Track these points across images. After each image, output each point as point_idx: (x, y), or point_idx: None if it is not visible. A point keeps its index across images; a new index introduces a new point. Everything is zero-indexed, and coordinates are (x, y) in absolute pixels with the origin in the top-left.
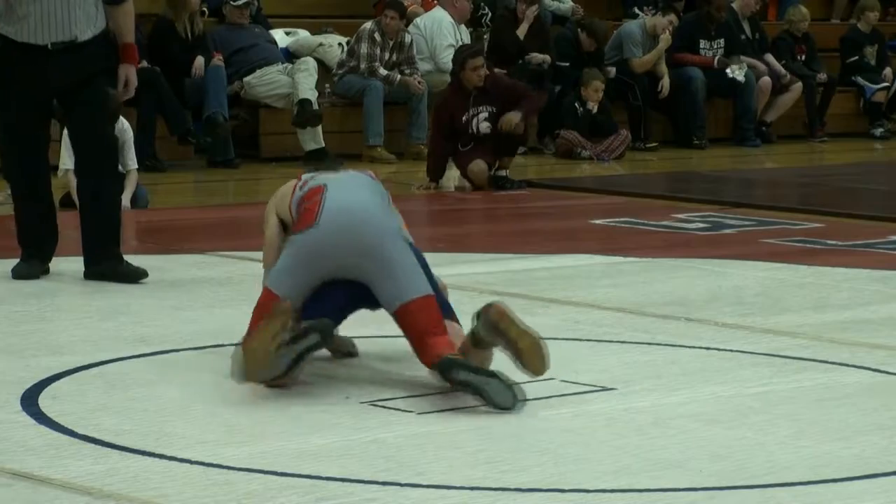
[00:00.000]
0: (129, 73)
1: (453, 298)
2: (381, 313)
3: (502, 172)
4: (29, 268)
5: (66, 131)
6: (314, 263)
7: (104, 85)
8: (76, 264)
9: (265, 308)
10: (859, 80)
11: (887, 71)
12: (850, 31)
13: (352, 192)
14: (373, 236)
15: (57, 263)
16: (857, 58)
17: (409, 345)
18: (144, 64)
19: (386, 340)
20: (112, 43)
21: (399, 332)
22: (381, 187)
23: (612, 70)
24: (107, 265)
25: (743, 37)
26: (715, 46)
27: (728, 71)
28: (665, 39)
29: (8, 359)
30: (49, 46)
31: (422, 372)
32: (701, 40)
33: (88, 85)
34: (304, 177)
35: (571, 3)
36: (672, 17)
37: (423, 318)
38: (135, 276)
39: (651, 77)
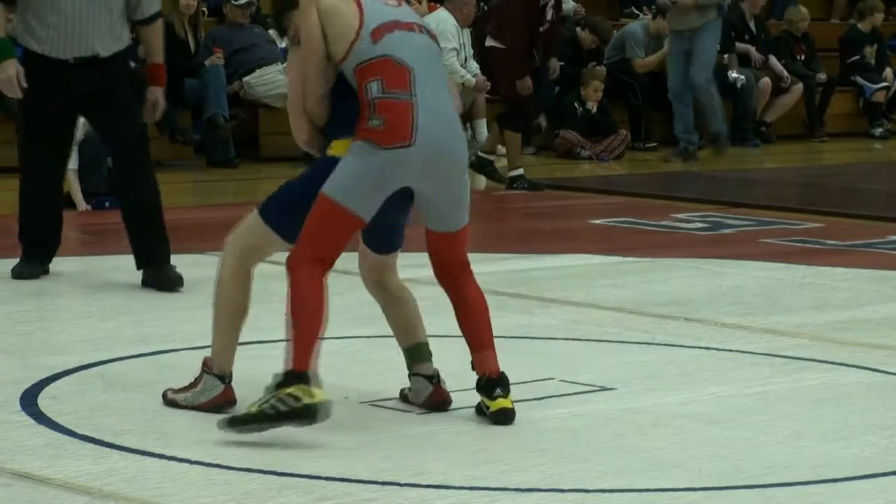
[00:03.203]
0: (157, 97)
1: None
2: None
3: (517, 171)
4: (29, 268)
5: None
6: (396, 181)
7: (125, 95)
8: (76, 264)
9: (335, 223)
10: (859, 79)
11: (887, 71)
12: (850, 31)
13: (439, 101)
14: (461, 163)
15: (57, 263)
16: (857, 58)
17: (434, 257)
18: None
19: (386, 340)
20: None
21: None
22: (441, 56)
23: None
24: (156, 269)
25: (747, 36)
26: None
27: (730, 74)
28: (669, 41)
29: (8, 359)
30: (71, 61)
31: None
32: None
33: (109, 94)
34: (365, 2)
35: (573, 3)
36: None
37: (460, 249)
38: (173, 283)
39: (653, 77)
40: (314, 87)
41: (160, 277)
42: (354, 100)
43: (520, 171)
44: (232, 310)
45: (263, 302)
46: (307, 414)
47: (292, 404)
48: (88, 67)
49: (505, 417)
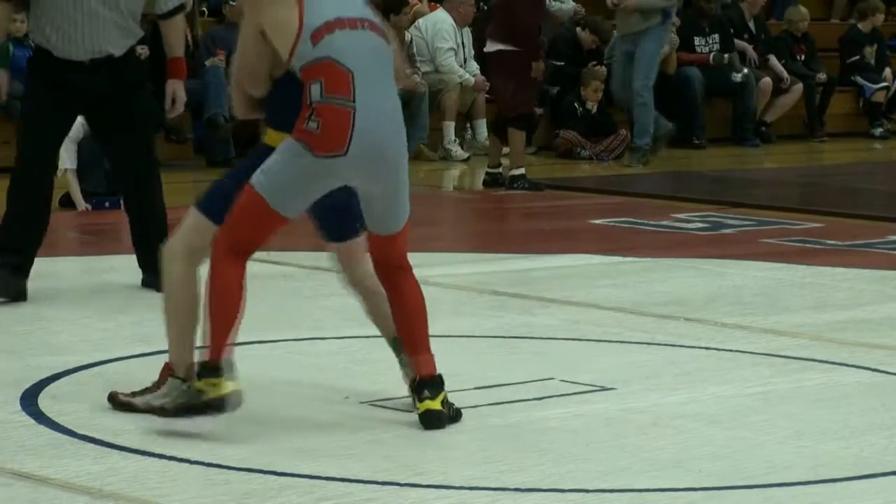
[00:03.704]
0: (176, 89)
1: (453, 298)
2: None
3: (518, 171)
4: (5, 284)
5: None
6: (328, 186)
7: (141, 97)
8: (75, 264)
9: (259, 218)
10: (859, 79)
11: (887, 71)
12: (850, 31)
13: (381, 100)
14: (397, 163)
15: (56, 263)
16: (857, 58)
17: (373, 255)
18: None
19: (385, 340)
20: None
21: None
22: (390, 52)
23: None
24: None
25: (746, 36)
26: (710, 42)
27: (734, 75)
28: (669, 42)
29: (7, 359)
30: (87, 63)
31: None
32: (696, 38)
33: (125, 97)
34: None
35: (573, 4)
36: (673, 18)
37: (398, 250)
38: None
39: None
40: (248, 83)
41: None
42: (297, 89)
43: (521, 171)
44: (188, 313)
45: (263, 301)
46: (210, 408)
47: (194, 401)
48: (102, 68)
49: (429, 419)
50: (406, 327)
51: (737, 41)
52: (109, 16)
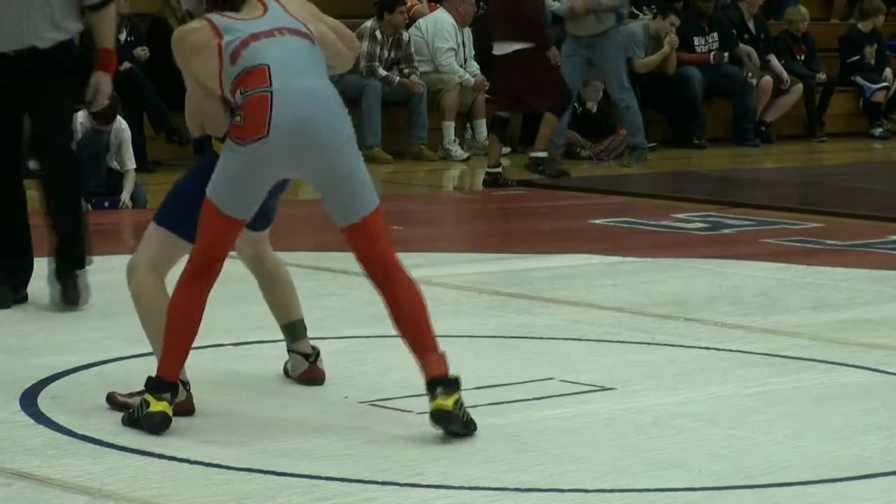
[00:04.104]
0: (100, 81)
1: (453, 298)
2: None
3: (542, 153)
4: None
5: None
6: (264, 176)
7: (61, 89)
8: None
9: (214, 226)
10: (859, 79)
11: (887, 71)
12: (850, 31)
13: (301, 81)
14: (330, 147)
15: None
16: (857, 58)
17: (357, 257)
18: (126, 65)
19: (386, 340)
20: (79, 48)
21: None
22: (318, 50)
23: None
24: (62, 281)
25: (746, 36)
26: (710, 41)
27: (749, 77)
28: (669, 42)
29: (7, 358)
30: (11, 53)
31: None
32: (695, 38)
33: (44, 89)
34: (220, 25)
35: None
36: (672, 17)
37: (378, 245)
38: (74, 300)
39: (653, 77)
40: (208, 126)
41: (67, 290)
42: None
43: (544, 154)
44: (162, 322)
45: (263, 301)
46: (147, 421)
47: (143, 411)
48: (25, 60)
49: (440, 418)
50: (406, 331)
51: (741, 45)
52: (38, 7)
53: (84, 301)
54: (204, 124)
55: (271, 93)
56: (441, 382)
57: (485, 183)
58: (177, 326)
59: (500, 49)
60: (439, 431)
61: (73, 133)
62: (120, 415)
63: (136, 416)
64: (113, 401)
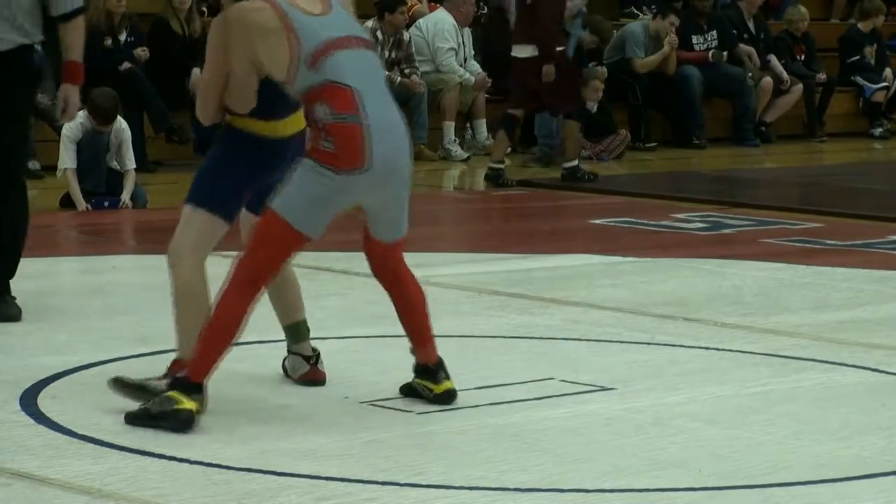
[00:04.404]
0: (69, 94)
1: (453, 298)
2: (378, 311)
3: (573, 163)
4: None
5: (63, 130)
6: (347, 202)
7: (17, 99)
8: (76, 264)
9: (280, 239)
10: (859, 79)
11: (887, 71)
12: (850, 31)
13: (386, 112)
14: (409, 178)
15: (56, 263)
16: (857, 58)
17: (374, 262)
18: (127, 65)
19: (386, 340)
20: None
21: (399, 332)
22: (379, 62)
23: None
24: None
25: (746, 36)
26: (709, 39)
27: (749, 78)
28: (669, 42)
29: (7, 358)
30: None
31: None
32: (693, 36)
33: (3, 95)
34: (287, 12)
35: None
36: (672, 17)
37: (398, 253)
38: (9, 317)
39: (653, 77)
40: (237, 104)
41: (5, 306)
42: (274, 84)
43: (576, 162)
44: (199, 312)
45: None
46: (176, 419)
47: (167, 407)
48: None
49: (449, 397)
50: (412, 319)
51: (741, 45)
52: (2, 11)
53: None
54: (232, 101)
55: (365, 125)
56: (441, 367)
57: (486, 177)
58: (220, 332)
59: (519, 51)
60: (440, 431)
61: (29, 143)
62: (118, 414)
63: (158, 413)
64: (120, 384)
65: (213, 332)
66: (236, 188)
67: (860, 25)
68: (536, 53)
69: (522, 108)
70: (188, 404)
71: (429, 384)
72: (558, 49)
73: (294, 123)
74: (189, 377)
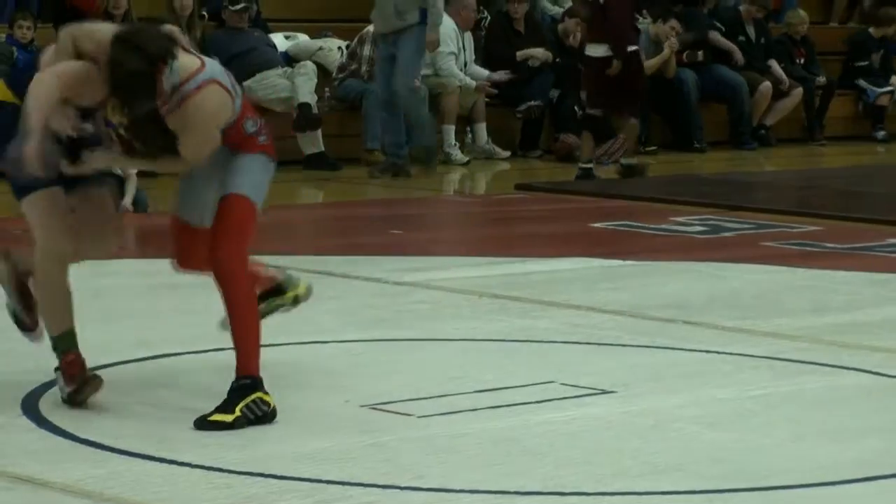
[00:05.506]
0: None
1: (453, 302)
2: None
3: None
4: None
5: None
6: None
7: None
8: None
9: (255, 222)
10: (863, 83)
11: (893, 78)
12: (860, 36)
13: None
14: None
15: None
16: (866, 63)
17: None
18: None
19: (385, 343)
20: None
21: (400, 336)
22: None
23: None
24: None
25: (742, 38)
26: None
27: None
28: (670, 45)
29: (9, 362)
30: None
31: (422, 375)
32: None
33: None
34: (207, 72)
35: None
36: (673, 21)
37: None
38: None
39: (653, 81)
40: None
41: None
42: None
43: (635, 161)
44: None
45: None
46: (271, 418)
47: (263, 410)
48: None
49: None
50: None
51: (728, 42)
52: None
53: None
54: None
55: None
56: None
57: (577, 178)
58: (255, 319)
59: (592, 51)
60: (441, 434)
61: None
62: (119, 419)
63: (258, 416)
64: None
65: (250, 319)
66: None
67: (872, 31)
68: (610, 53)
69: (600, 108)
70: (270, 398)
71: None
72: (631, 49)
73: None
74: (256, 375)
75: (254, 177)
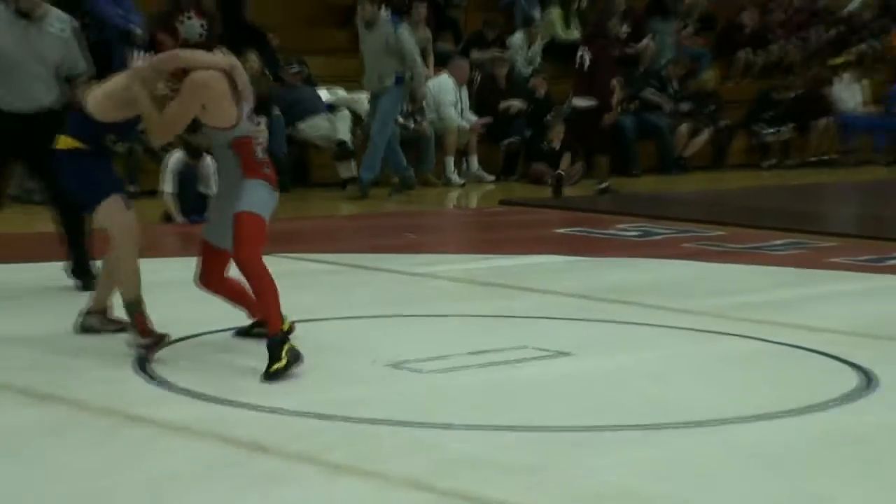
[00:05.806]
0: None
1: (452, 287)
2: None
3: (604, 185)
4: None
5: (169, 163)
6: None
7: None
8: (177, 263)
9: (265, 230)
10: (755, 127)
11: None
12: (765, 95)
13: None
14: None
15: (164, 262)
16: (766, 112)
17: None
18: None
19: (402, 319)
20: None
21: (413, 312)
22: None
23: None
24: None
25: (671, 90)
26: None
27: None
28: (617, 95)
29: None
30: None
31: (429, 342)
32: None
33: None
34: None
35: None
36: (617, 81)
37: None
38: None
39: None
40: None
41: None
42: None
43: (607, 184)
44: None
45: (310, 290)
46: (301, 357)
47: (296, 352)
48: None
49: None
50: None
51: (658, 95)
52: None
53: None
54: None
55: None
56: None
57: (599, 192)
58: (274, 290)
59: (580, 102)
60: (446, 385)
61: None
62: (213, 371)
63: (296, 356)
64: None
65: (272, 292)
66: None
67: (773, 94)
68: (592, 104)
69: (579, 143)
70: (292, 345)
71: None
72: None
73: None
74: (282, 330)
75: (259, 196)
